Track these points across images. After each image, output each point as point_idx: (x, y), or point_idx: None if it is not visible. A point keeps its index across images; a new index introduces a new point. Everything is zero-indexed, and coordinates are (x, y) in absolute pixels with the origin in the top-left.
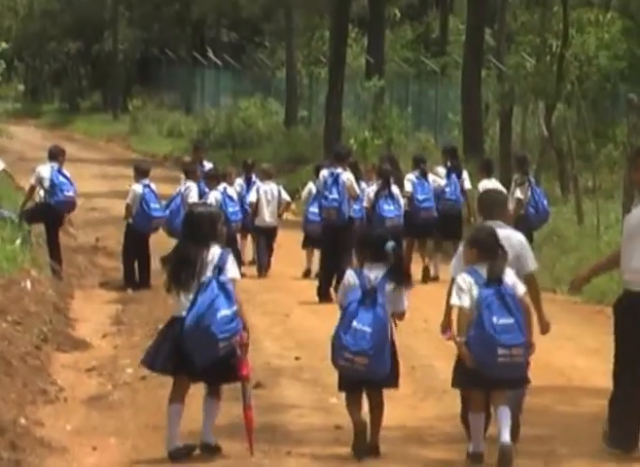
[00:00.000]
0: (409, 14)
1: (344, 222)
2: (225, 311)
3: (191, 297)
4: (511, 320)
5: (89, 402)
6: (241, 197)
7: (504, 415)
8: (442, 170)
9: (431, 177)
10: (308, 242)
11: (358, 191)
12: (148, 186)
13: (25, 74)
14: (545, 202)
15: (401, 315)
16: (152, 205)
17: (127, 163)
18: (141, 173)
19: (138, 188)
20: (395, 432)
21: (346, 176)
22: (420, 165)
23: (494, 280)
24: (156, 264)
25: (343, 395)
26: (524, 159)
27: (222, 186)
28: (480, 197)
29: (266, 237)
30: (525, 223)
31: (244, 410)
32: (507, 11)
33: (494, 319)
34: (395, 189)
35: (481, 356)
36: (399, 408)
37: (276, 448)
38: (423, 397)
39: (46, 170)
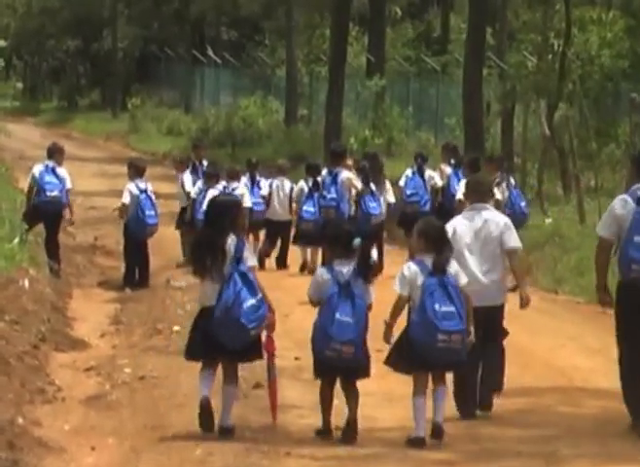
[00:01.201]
0: (410, 12)
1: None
2: (251, 301)
3: (217, 287)
4: (452, 308)
5: (88, 402)
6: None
7: (440, 395)
8: (447, 168)
9: (428, 174)
10: (300, 240)
11: (359, 186)
12: (145, 191)
13: (24, 72)
14: (522, 204)
15: (370, 306)
16: (147, 212)
17: (126, 162)
18: (136, 171)
19: (133, 188)
20: (395, 432)
21: (345, 175)
22: (418, 161)
23: (439, 270)
24: (154, 263)
25: (319, 382)
26: (502, 159)
27: (221, 184)
28: (468, 182)
29: (279, 231)
30: None
31: (269, 384)
32: (508, 9)
33: (436, 306)
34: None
35: (423, 340)
36: (399, 408)
37: (276, 448)
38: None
39: (37, 170)
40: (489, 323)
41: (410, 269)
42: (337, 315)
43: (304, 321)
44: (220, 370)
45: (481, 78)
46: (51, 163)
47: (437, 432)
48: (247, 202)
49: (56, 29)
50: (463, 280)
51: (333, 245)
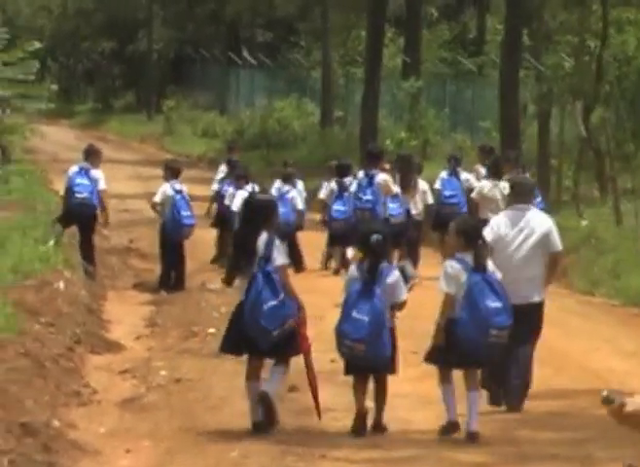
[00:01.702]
0: (447, 13)
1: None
2: (272, 302)
3: (245, 281)
4: (499, 304)
5: (123, 404)
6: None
7: (474, 399)
8: (482, 169)
9: (464, 176)
10: (334, 241)
11: (395, 189)
12: (180, 192)
13: (59, 74)
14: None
15: (400, 306)
16: (183, 213)
17: (161, 164)
18: (172, 172)
19: (168, 189)
20: (430, 435)
21: (381, 177)
22: (451, 163)
23: (480, 267)
24: (189, 266)
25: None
26: (517, 157)
27: (250, 186)
28: (513, 183)
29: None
30: None
31: (309, 380)
32: (545, 10)
33: (487, 303)
34: (396, 188)
35: (474, 337)
36: (434, 411)
37: (311, 451)
38: (458, 400)
39: (70, 172)
40: (528, 320)
41: (454, 267)
42: (354, 313)
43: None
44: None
45: (518, 79)
46: (85, 165)
47: (471, 438)
48: (299, 205)
49: (91, 31)
50: (499, 276)
51: (361, 245)
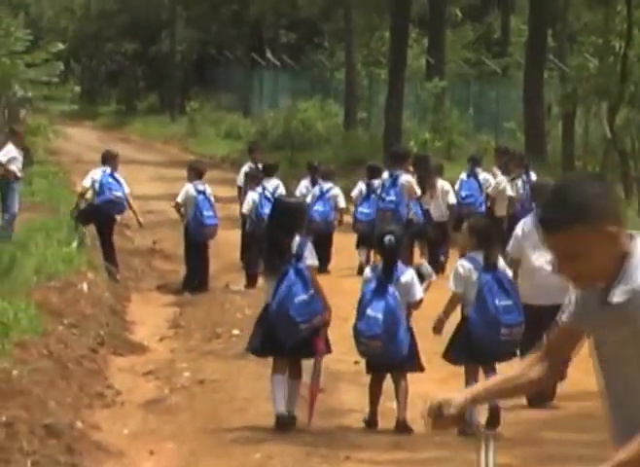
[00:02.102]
0: (470, 14)
1: (401, 224)
2: (302, 296)
3: (274, 284)
4: (510, 302)
5: (147, 406)
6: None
7: None
8: (498, 171)
9: (483, 176)
10: (362, 242)
11: (419, 191)
12: (203, 192)
13: (82, 75)
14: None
15: (415, 305)
16: (205, 213)
17: (185, 166)
18: (195, 173)
19: (190, 189)
20: (455, 437)
21: (405, 178)
22: (471, 164)
23: (491, 266)
24: (213, 267)
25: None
26: (522, 156)
27: (261, 187)
28: (535, 184)
29: (434, 232)
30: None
31: (311, 384)
32: (569, 11)
33: (497, 301)
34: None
35: (485, 335)
36: None
37: (335, 452)
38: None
39: (97, 173)
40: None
41: (465, 266)
42: (369, 311)
43: None
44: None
45: (542, 80)
46: (108, 169)
47: (494, 416)
48: (342, 204)
49: (114, 32)
50: (510, 274)
51: (377, 247)
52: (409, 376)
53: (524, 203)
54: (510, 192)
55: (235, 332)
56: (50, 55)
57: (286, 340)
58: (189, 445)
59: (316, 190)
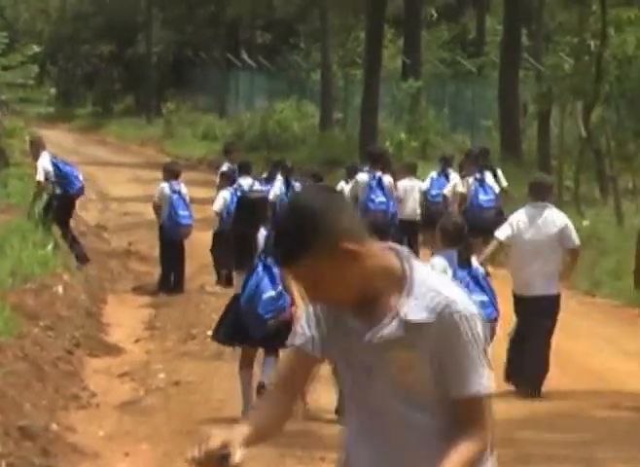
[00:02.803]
0: (446, 14)
1: (388, 224)
2: (269, 293)
3: (244, 276)
4: (485, 297)
5: (122, 407)
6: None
7: None
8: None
9: (453, 176)
10: None
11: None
12: (178, 192)
13: (58, 77)
14: (485, 198)
15: None
16: (180, 212)
17: (161, 167)
18: (171, 174)
19: (166, 188)
20: None
21: (387, 179)
22: (442, 164)
23: (465, 262)
24: (188, 269)
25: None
26: (477, 156)
27: (236, 185)
28: (531, 182)
29: (407, 231)
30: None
31: None
32: (544, 10)
33: (473, 297)
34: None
35: None
36: None
37: (310, 453)
38: None
39: (47, 161)
40: (545, 311)
41: (440, 264)
42: None
43: None
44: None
45: (517, 79)
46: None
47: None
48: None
49: (90, 34)
50: (483, 271)
51: None
52: None
53: (473, 200)
54: (460, 188)
55: (210, 333)
56: (25, 58)
57: (254, 333)
58: (164, 446)
59: (226, 192)
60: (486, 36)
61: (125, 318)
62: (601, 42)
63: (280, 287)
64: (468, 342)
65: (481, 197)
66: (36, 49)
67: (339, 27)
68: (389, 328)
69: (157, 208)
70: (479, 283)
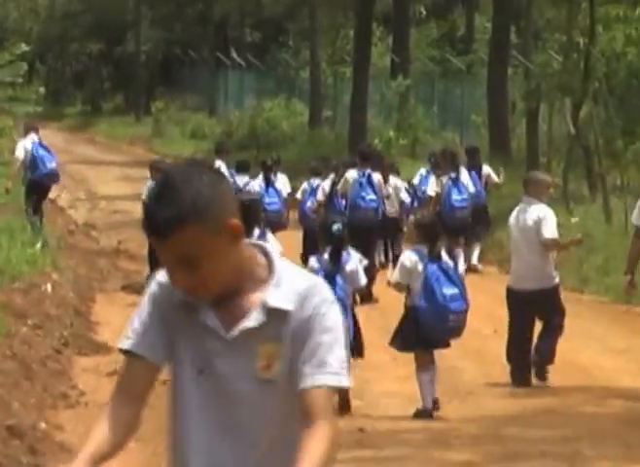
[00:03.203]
0: (435, 11)
1: (378, 222)
2: None
3: None
4: (456, 290)
5: None
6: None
7: (434, 372)
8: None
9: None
10: (309, 239)
11: (385, 190)
12: None
13: (47, 76)
14: (457, 198)
15: (360, 290)
16: None
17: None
18: (158, 172)
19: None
20: (419, 434)
21: (377, 177)
22: (431, 161)
23: (436, 257)
24: None
25: None
26: (453, 154)
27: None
28: (525, 178)
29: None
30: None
31: None
32: (533, 7)
33: (444, 290)
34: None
35: (434, 322)
36: None
37: None
38: (447, 399)
39: (27, 144)
40: (542, 304)
41: (411, 259)
42: None
43: None
44: None
45: (506, 77)
46: (36, 139)
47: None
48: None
49: (79, 33)
50: (452, 264)
51: (321, 236)
52: (373, 373)
53: (446, 200)
54: (435, 188)
55: None
56: (14, 57)
57: None
58: (152, 445)
59: (305, 185)
60: (475, 34)
61: (114, 317)
62: (589, 39)
63: None
64: (325, 330)
65: (455, 196)
66: (25, 47)
67: (328, 25)
68: (253, 319)
69: None
70: (449, 276)
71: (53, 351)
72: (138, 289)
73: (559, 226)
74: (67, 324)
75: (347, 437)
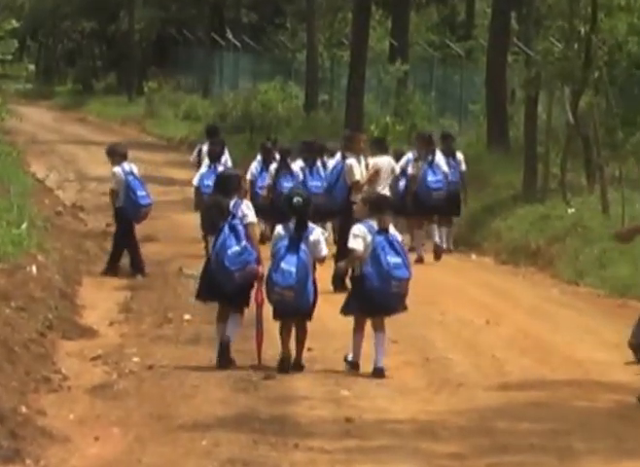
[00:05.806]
0: None
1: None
2: (235, 248)
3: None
4: (399, 259)
5: (94, 391)
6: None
7: (380, 341)
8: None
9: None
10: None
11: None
12: (131, 172)
13: (38, 54)
14: (432, 179)
15: (321, 260)
16: (139, 193)
17: (142, 147)
18: (119, 157)
19: (119, 172)
20: (407, 425)
21: (348, 162)
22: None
23: (383, 230)
24: (167, 251)
25: (278, 324)
26: (430, 137)
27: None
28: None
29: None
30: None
31: (257, 331)
32: None
33: (389, 258)
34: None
35: (379, 287)
36: (412, 401)
37: (284, 440)
38: (437, 390)
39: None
40: None
41: (361, 229)
42: (283, 264)
43: (318, 311)
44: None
45: (505, 64)
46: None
47: (378, 373)
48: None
49: (72, 10)
50: (400, 237)
51: (287, 208)
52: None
53: (422, 182)
54: (410, 170)
55: (187, 317)
56: (3, 33)
57: (224, 286)
58: (135, 430)
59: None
60: (476, 19)
61: (101, 300)
62: (591, 27)
63: (244, 243)
64: None
65: (430, 178)
66: (15, 24)
67: (326, 8)
68: None
69: (114, 194)
70: (393, 247)
71: (36, 334)
72: (126, 272)
73: (557, 217)
74: (52, 307)
75: (335, 427)
